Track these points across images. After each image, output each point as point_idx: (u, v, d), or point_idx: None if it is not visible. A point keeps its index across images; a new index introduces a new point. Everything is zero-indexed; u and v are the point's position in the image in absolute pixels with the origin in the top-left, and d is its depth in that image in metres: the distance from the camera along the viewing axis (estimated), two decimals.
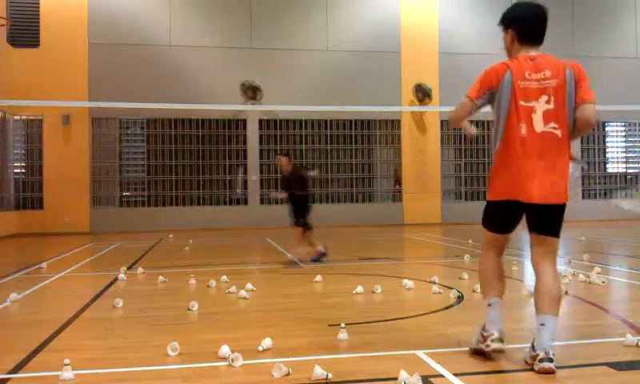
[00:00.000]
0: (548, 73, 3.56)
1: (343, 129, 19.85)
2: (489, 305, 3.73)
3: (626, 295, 6.46)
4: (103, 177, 18.50)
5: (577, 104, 3.56)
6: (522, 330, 4.51)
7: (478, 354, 3.74)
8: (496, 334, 3.62)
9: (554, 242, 3.64)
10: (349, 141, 19.92)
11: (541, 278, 3.60)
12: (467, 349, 3.91)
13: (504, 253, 3.90)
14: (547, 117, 3.52)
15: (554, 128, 3.52)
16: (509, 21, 3.73)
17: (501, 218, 3.73)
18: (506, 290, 3.85)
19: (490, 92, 3.65)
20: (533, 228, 3.66)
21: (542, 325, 3.48)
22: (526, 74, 3.56)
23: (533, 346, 3.50)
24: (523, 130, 3.52)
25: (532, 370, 3.46)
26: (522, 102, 3.54)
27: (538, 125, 3.52)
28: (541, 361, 3.40)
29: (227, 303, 5.93)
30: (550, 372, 3.38)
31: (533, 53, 3.66)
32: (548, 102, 3.52)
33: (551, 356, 3.40)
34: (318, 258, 9.25)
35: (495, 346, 3.60)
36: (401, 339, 4.30)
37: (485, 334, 3.68)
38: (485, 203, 3.83)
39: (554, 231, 3.63)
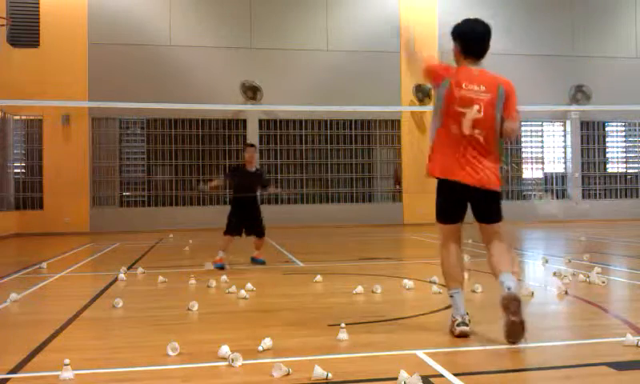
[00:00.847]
0: (483, 87, 4.14)
1: (343, 129, 19.85)
2: (451, 296, 4.28)
3: (626, 295, 6.46)
4: (103, 177, 18.50)
5: (505, 117, 4.16)
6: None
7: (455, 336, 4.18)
8: (459, 319, 4.16)
9: (495, 225, 4.27)
10: (349, 141, 19.92)
11: (489, 250, 4.27)
12: (467, 348, 3.93)
13: (461, 244, 4.42)
14: (475, 124, 4.11)
15: (479, 134, 4.12)
16: (455, 35, 4.32)
17: (447, 208, 4.34)
18: (464, 278, 4.43)
19: (432, 84, 4.33)
20: (477, 218, 4.29)
21: (502, 282, 4.02)
22: (464, 85, 4.13)
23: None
24: (454, 129, 4.14)
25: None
26: (456, 107, 4.12)
27: (467, 128, 4.11)
28: (502, 291, 3.95)
29: (227, 303, 5.93)
30: (509, 296, 3.89)
31: (474, 66, 4.23)
32: (479, 111, 4.10)
33: (512, 286, 3.95)
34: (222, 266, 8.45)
35: (460, 329, 4.13)
36: (401, 339, 4.30)
37: (452, 319, 4.23)
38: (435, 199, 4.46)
39: (494, 217, 4.27)
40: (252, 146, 9.29)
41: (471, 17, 4.40)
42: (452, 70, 4.25)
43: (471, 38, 4.25)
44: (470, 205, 4.29)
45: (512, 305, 3.84)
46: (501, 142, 4.24)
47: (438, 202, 4.41)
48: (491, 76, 4.20)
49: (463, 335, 4.11)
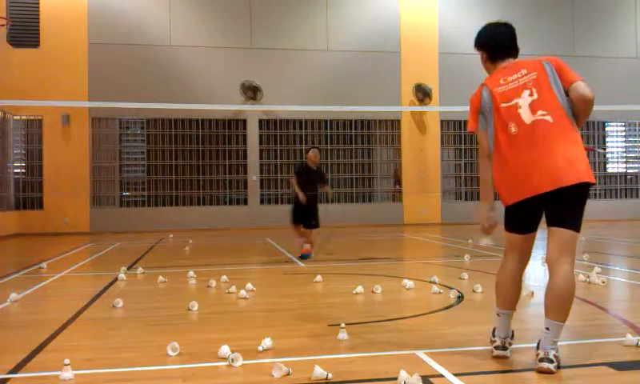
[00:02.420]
0: (524, 71, 3.70)
1: (343, 129, 19.85)
2: (497, 314, 3.81)
3: (626, 295, 6.46)
4: (103, 177, 18.50)
5: (566, 86, 3.59)
6: (524, 330, 4.50)
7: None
8: (498, 342, 3.75)
9: (568, 235, 3.47)
10: (349, 141, 19.92)
11: (553, 278, 3.48)
12: (467, 348, 3.94)
13: (527, 261, 3.82)
14: (534, 106, 3.55)
15: (544, 115, 3.52)
16: (479, 44, 4.01)
17: (515, 217, 3.69)
18: (518, 301, 3.83)
19: (482, 112, 3.76)
20: (549, 221, 3.55)
21: (547, 330, 3.47)
22: (501, 81, 3.73)
23: (538, 346, 3.54)
24: (513, 128, 3.57)
25: (533, 370, 3.47)
26: (503, 105, 3.63)
27: (527, 117, 3.55)
28: (541, 360, 3.42)
29: (227, 303, 5.93)
30: (548, 372, 3.39)
31: (506, 63, 3.86)
32: (531, 94, 3.59)
33: (551, 357, 3.41)
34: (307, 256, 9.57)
35: (498, 352, 3.73)
36: (401, 339, 4.30)
37: (492, 338, 3.84)
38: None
39: (569, 222, 3.48)
40: (312, 147, 10.33)
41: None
42: (486, 79, 3.88)
43: (498, 41, 3.92)
44: (544, 208, 3.57)
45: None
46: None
47: (508, 211, 3.72)
48: (529, 60, 3.79)
49: (501, 358, 3.73)
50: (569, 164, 3.42)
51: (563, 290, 3.44)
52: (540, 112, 3.52)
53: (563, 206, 3.47)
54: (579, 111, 3.58)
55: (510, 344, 3.77)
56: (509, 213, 3.71)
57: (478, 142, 3.83)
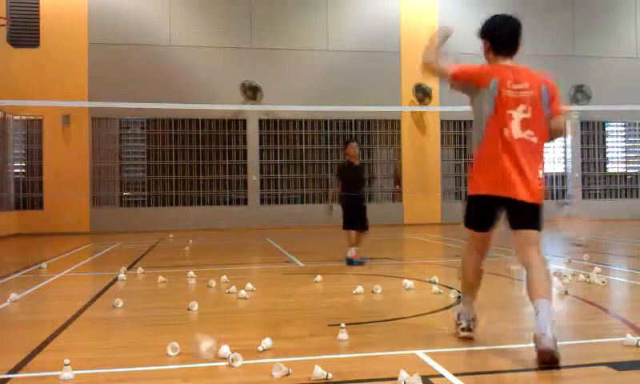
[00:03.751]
0: (526, 84, 3.88)
1: (343, 129, 19.85)
2: (463, 301, 4.25)
3: (626, 295, 6.46)
4: (103, 177, 18.50)
5: (552, 115, 3.94)
6: (522, 330, 4.51)
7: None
8: (464, 324, 4.16)
9: (534, 234, 3.88)
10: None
11: (528, 266, 3.80)
12: (467, 348, 3.94)
13: (486, 255, 4.19)
14: (524, 125, 3.84)
15: (530, 136, 3.85)
16: (485, 33, 4.06)
17: (480, 215, 4.04)
18: (479, 288, 4.26)
19: (469, 86, 4.01)
20: (514, 225, 3.92)
21: (537, 313, 3.59)
22: (508, 83, 3.86)
23: (534, 338, 3.56)
24: (506, 132, 3.83)
25: (545, 368, 3.46)
26: (505, 110, 3.84)
27: (516, 132, 3.83)
28: (539, 341, 3.47)
29: (227, 303, 5.93)
30: (549, 351, 3.42)
31: (509, 63, 3.99)
32: (525, 111, 3.84)
33: (550, 336, 3.45)
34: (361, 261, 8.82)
35: (464, 334, 4.15)
36: (401, 339, 4.30)
37: (457, 322, 4.21)
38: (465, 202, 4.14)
39: (535, 225, 3.88)
40: (350, 141, 9.43)
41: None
42: (497, 67, 3.97)
43: (505, 33, 3.98)
44: (507, 212, 3.94)
45: (550, 361, 3.48)
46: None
47: (472, 207, 4.06)
48: (532, 73, 3.95)
49: (467, 338, 4.14)
50: (540, 185, 3.87)
51: (538, 269, 3.75)
52: (528, 132, 3.84)
53: (527, 213, 3.86)
54: (551, 135, 4.03)
55: (475, 326, 4.17)
56: (472, 208, 4.04)
57: (442, 67, 4.18)
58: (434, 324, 4.82)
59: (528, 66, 3.99)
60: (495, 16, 4.08)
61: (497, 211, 3.97)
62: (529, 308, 5.43)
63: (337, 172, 9.44)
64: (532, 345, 3.75)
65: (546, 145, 4.01)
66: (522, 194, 3.79)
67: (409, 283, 6.53)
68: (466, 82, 4.02)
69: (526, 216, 3.85)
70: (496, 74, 3.89)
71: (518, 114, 3.82)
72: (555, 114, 3.94)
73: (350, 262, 8.74)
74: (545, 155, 3.95)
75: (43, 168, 17.94)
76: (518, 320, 5.09)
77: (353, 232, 9.00)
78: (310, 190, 19.63)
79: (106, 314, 5.43)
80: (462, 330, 4.14)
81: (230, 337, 4.30)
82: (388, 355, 3.87)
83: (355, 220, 9.06)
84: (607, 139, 22.04)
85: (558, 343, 3.52)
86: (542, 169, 3.93)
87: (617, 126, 22.12)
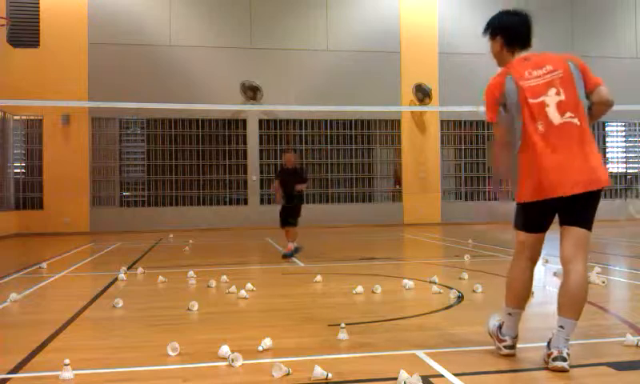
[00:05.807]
0: (550, 67, 3.59)
1: (343, 129, 19.84)
2: (509, 314, 3.77)
3: (626, 295, 6.46)
4: (103, 177, 18.49)
5: (590, 90, 3.57)
6: (525, 330, 4.49)
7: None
8: (509, 342, 3.74)
9: (584, 235, 3.54)
10: (349, 141, 19.92)
11: (568, 277, 3.52)
12: (467, 348, 3.93)
13: (537, 260, 3.81)
14: (561, 107, 3.50)
15: (571, 117, 3.49)
16: (495, 29, 3.82)
17: (532, 216, 3.66)
18: (528, 300, 3.85)
19: (499, 103, 3.66)
20: (564, 220, 3.58)
21: (561, 327, 3.45)
22: (526, 74, 3.59)
23: (548, 345, 3.51)
24: (541, 126, 3.49)
25: (544, 368, 3.46)
26: (531, 100, 3.52)
27: (555, 117, 3.49)
28: (554, 359, 3.40)
29: (227, 303, 5.93)
30: (563, 370, 3.38)
31: (524, 54, 3.74)
32: (558, 93, 3.51)
33: (565, 355, 3.40)
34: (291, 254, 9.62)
35: (507, 351, 3.75)
36: (401, 339, 4.30)
37: (500, 337, 3.79)
38: (515, 206, 3.76)
39: (586, 222, 3.54)
40: (287, 150, 10.61)
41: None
42: (507, 66, 3.73)
43: (518, 27, 3.78)
44: (558, 207, 3.57)
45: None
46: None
47: (523, 210, 3.68)
48: (552, 54, 3.68)
49: (509, 356, 3.76)
50: (596, 169, 3.46)
51: (578, 289, 3.47)
52: (568, 114, 3.49)
53: (580, 208, 3.50)
54: (597, 113, 3.61)
55: (516, 344, 3.78)
56: (523, 211, 3.67)
57: (495, 132, 3.74)
58: (434, 324, 4.82)
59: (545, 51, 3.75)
60: (501, 12, 3.88)
61: (553, 212, 3.60)
62: (529, 308, 5.43)
63: (275, 175, 10.34)
64: (532, 345, 3.76)
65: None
66: (578, 187, 3.41)
67: (409, 283, 6.53)
68: (496, 103, 3.65)
69: (579, 211, 3.50)
70: (509, 71, 3.65)
71: (551, 99, 3.50)
72: (593, 86, 3.56)
73: (284, 256, 9.56)
74: (593, 137, 3.52)
75: (43, 168, 17.94)
76: (523, 319, 5.08)
77: (285, 229, 9.87)
78: (309, 189, 19.61)
79: (106, 314, 5.43)
80: (506, 347, 3.74)
81: (230, 337, 4.30)
82: (388, 355, 3.87)
83: (284, 218, 9.85)
84: (607, 139, 22.04)
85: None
86: (596, 149, 3.51)
87: (617, 126, 22.11)
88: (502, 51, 3.81)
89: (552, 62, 3.60)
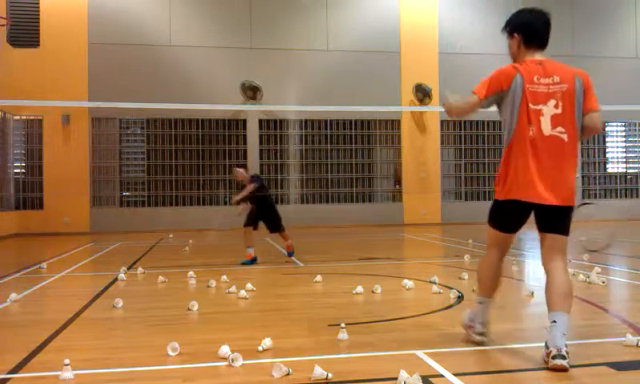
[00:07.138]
0: (557, 78, 3.67)
1: (343, 129, 19.85)
2: (480, 302, 4.02)
3: (626, 295, 6.46)
4: (103, 177, 18.50)
5: (585, 112, 3.70)
6: (523, 330, 4.51)
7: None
8: (479, 328, 3.97)
9: (562, 239, 3.70)
10: (349, 141, 19.92)
11: (550, 275, 3.66)
12: (467, 348, 3.93)
13: (506, 254, 4.01)
14: (555, 121, 3.62)
15: (561, 132, 3.62)
16: (515, 27, 3.85)
17: (507, 217, 3.83)
18: (498, 291, 4.05)
19: (499, 93, 3.74)
20: (542, 227, 3.74)
21: (554, 322, 3.49)
22: (535, 79, 3.66)
23: (546, 344, 3.50)
24: (532, 132, 3.62)
25: (545, 368, 3.45)
26: (531, 105, 3.63)
27: (546, 128, 3.62)
28: (554, 358, 3.39)
29: (227, 303, 5.93)
30: (563, 369, 3.37)
31: (539, 57, 3.78)
32: (556, 106, 3.62)
33: (564, 353, 3.39)
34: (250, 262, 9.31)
35: (477, 338, 3.97)
36: (401, 339, 4.30)
37: (471, 324, 4.02)
38: (491, 202, 3.95)
39: (563, 230, 3.70)
40: (235, 167, 10.43)
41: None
42: (520, 64, 3.76)
43: (536, 25, 3.79)
44: (535, 213, 3.74)
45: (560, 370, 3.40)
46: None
47: (499, 208, 3.85)
48: (564, 66, 3.74)
49: (480, 343, 3.97)
50: (569, 188, 3.65)
51: (561, 281, 3.60)
52: (559, 129, 3.62)
53: (555, 216, 3.68)
54: (585, 134, 3.78)
55: (487, 330, 3.99)
56: (499, 210, 3.84)
57: (467, 101, 3.83)
58: (434, 324, 4.82)
59: (556, 61, 3.80)
60: (522, 10, 3.89)
61: (525, 214, 3.76)
62: (529, 308, 5.44)
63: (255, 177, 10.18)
64: (532, 345, 3.76)
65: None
66: (550, 198, 3.59)
67: (409, 283, 6.54)
68: (496, 90, 3.73)
69: (555, 220, 3.67)
70: (519, 70, 3.69)
71: (548, 110, 3.62)
72: (589, 110, 3.69)
73: (289, 255, 9.59)
74: (576, 155, 3.69)
75: (43, 168, 17.94)
76: (518, 320, 5.09)
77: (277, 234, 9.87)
78: (309, 189, 19.63)
79: (106, 314, 5.43)
80: (477, 333, 3.95)
81: (230, 337, 4.30)
82: (388, 355, 3.87)
83: (269, 228, 9.87)
84: (607, 139, 22.05)
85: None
86: (574, 168, 3.66)
87: (617, 126, 22.12)
88: (519, 49, 3.85)
89: (560, 74, 3.68)
